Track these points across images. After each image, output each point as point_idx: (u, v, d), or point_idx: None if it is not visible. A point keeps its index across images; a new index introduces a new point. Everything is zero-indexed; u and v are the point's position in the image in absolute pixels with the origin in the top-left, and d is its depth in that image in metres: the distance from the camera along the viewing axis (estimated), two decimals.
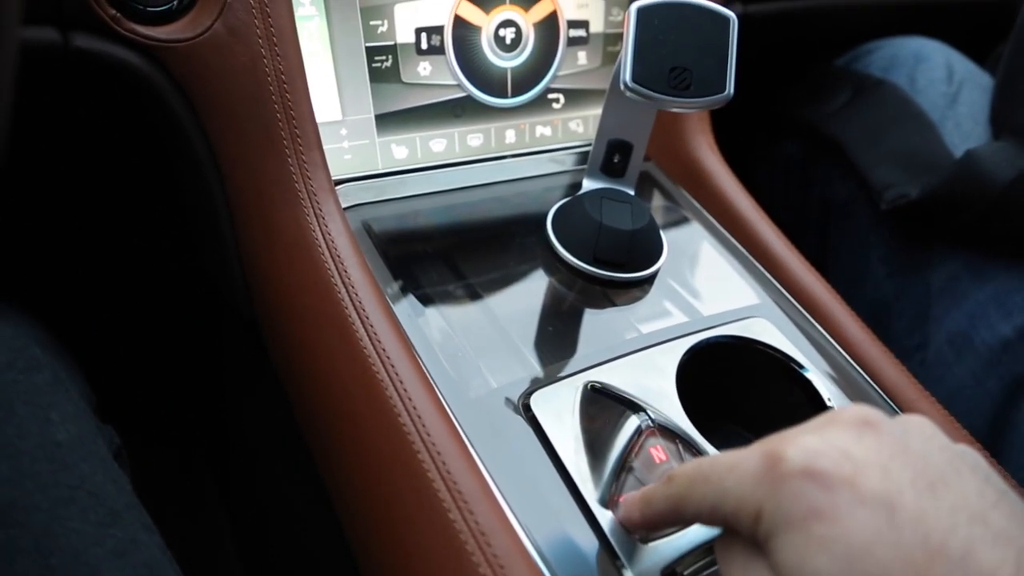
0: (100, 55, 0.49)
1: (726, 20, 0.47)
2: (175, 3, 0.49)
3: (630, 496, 0.38)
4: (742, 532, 0.30)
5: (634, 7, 0.46)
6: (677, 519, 0.35)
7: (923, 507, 0.27)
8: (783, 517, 0.28)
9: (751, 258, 0.61)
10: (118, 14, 0.47)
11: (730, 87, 0.47)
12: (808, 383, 0.51)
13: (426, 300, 0.51)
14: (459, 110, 0.63)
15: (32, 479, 0.39)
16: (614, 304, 0.53)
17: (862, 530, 0.26)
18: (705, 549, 0.40)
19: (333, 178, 0.54)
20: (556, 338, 0.50)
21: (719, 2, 0.49)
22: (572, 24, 0.66)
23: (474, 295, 0.52)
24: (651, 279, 0.56)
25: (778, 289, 0.59)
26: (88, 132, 0.75)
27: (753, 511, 0.29)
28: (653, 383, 0.47)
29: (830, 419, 0.31)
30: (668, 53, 0.46)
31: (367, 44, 0.58)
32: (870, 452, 0.28)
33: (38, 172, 0.74)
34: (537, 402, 0.44)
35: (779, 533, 0.28)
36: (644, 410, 0.45)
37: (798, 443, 0.29)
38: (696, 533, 0.40)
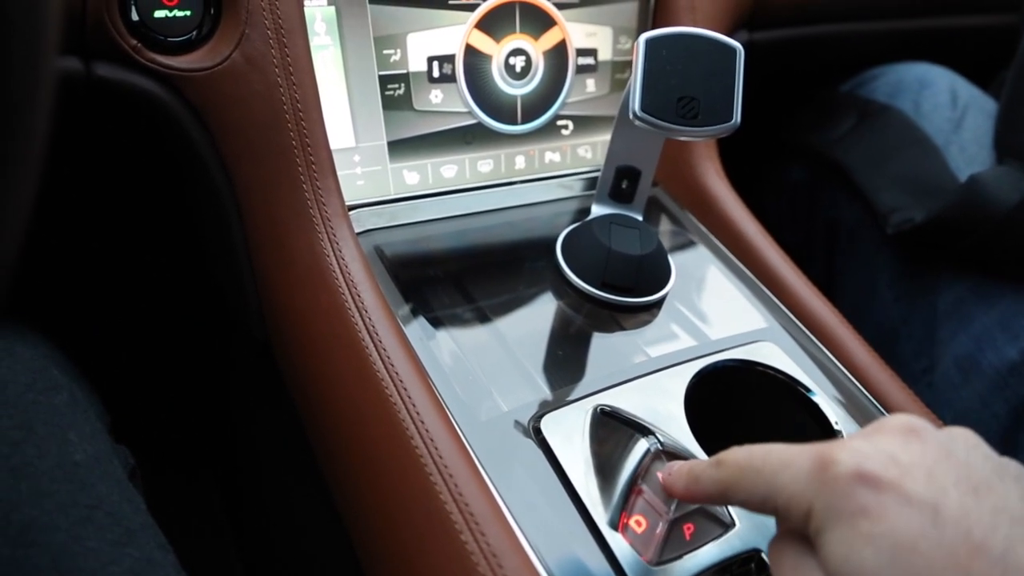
0: (121, 84, 0.50)
1: (733, 50, 0.48)
2: (194, 34, 0.50)
3: (678, 465, 0.39)
4: (792, 525, 0.32)
5: (643, 38, 0.47)
6: (721, 502, 0.37)
7: (966, 507, 0.28)
8: (833, 514, 0.30)
9: (758, 282, 0.61)
10: (139, 44, 0.49)
11: (737, 116, 0.48)
12: (815, 407, 0.51)
13: (437, 324, 0.51)
14: (470, 137, 0.64)
15: (51, 499, 0.39)
16: (623, 328, 0.54)
17: (907, 527, 0.28)
18: (714, 572, 0.40)
19: (346, 203, 0.55)
20: (566, 362, 0.50)
21: (726, 31, 0.49)
22: (581, 52, 0.67)
23: (484, 319, 0.52)
24: (659, 303, 0.56)
25: (785, 313, 0.59)
26: (109, 158, 0.76)
27: (805, 508, 0.31)
28: (661, 406, 0.48)
29: (878, 427, 0.33)
30: (676, 83, 0.47)
31: (380, 72, 0.59)
32: (915, 457, 0.30)
33: (59, 196, 0.75)
34: (547, 425, 0.45)
35: (828, 529, 0.30)
36: (653, 433, 0.45)
37: (848, 447, 0.31)
38: (705, 555, 0.40)
